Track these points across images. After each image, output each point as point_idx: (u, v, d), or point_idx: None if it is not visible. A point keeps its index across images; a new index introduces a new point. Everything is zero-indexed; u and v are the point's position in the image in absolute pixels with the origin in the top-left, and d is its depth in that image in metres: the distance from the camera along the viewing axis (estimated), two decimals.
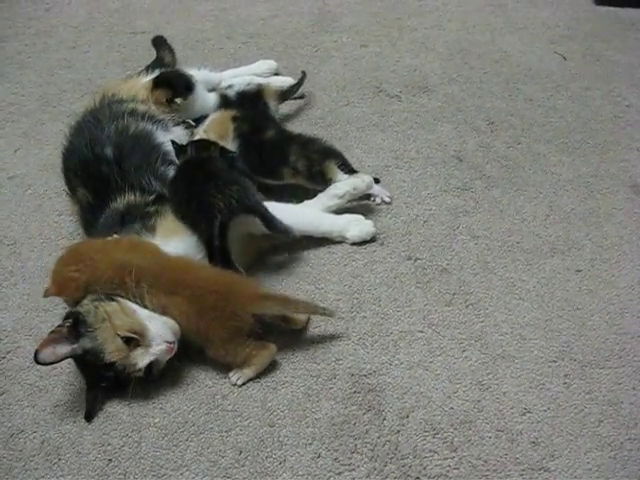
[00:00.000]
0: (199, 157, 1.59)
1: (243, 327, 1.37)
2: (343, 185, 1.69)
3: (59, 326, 1.32)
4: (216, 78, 2.07)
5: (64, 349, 1.30)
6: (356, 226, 1.67)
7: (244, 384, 1.40)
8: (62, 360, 1.32)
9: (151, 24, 2.58)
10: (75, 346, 1.30)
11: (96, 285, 1.37)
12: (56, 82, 2.32)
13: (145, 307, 1.36)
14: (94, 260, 1.39)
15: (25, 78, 2.35)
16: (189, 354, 1.43)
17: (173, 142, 1.66)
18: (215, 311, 1.35)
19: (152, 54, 2.29)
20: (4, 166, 1.99)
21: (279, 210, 1.59)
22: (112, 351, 1.29)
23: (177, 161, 1.66)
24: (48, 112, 2.18)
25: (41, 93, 2.27)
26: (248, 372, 1.40)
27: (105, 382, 1.33)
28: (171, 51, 2.28)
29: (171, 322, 1.35)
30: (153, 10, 2.69)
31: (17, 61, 2.44)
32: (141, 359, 1.30)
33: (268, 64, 2.23)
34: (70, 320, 1.32)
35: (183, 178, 1.56)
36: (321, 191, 1.71)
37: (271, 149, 1.74)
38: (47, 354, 1.29)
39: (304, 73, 2.08)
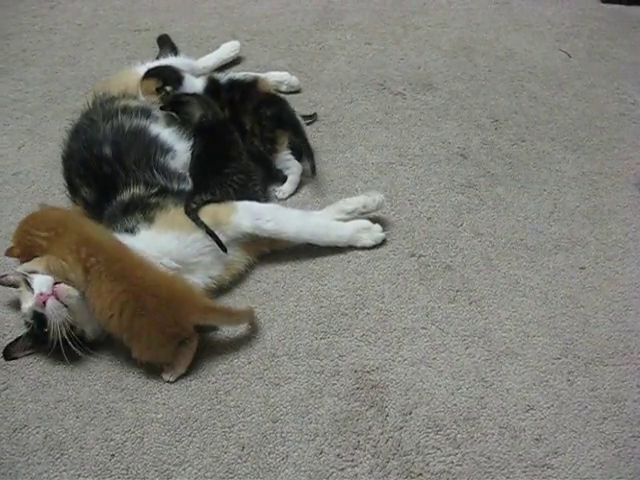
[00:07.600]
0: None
1: (182, 334, 1.39)
2: (353, 201, 1.68)
3: None
4: (198, 65, 2.19)
5: None
6: (365, 235, 1.65)
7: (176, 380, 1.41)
8: None
9: (155, 22, 2.59)
10: None
11: (55, 251, 1.38)
12: (60, 79, 2.32)
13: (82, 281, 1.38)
14: (66, 229, 1.40)
15: (29, 75, 2.36)
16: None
17: None
18: (155, 315, 1.34)
19: (156, 52, 2.29)
20: (8, 162, 1.99)
21: (285, 214, 1.60)
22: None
23: None
24: (52, 109, 2.18)
25: (45, 90, 2.27)
26: (179, 370, 1.42)
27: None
28: (174, 49, 2.28)
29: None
30: (158, 8, 2.70)
31: (22, 58, 2.45)
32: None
33: (232, 45, 2.33)
34: None
35: None
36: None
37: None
38: None
39: (316, 115, 2.06)
